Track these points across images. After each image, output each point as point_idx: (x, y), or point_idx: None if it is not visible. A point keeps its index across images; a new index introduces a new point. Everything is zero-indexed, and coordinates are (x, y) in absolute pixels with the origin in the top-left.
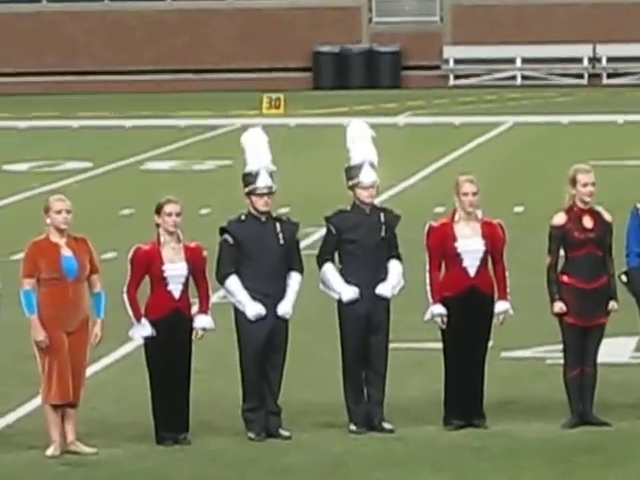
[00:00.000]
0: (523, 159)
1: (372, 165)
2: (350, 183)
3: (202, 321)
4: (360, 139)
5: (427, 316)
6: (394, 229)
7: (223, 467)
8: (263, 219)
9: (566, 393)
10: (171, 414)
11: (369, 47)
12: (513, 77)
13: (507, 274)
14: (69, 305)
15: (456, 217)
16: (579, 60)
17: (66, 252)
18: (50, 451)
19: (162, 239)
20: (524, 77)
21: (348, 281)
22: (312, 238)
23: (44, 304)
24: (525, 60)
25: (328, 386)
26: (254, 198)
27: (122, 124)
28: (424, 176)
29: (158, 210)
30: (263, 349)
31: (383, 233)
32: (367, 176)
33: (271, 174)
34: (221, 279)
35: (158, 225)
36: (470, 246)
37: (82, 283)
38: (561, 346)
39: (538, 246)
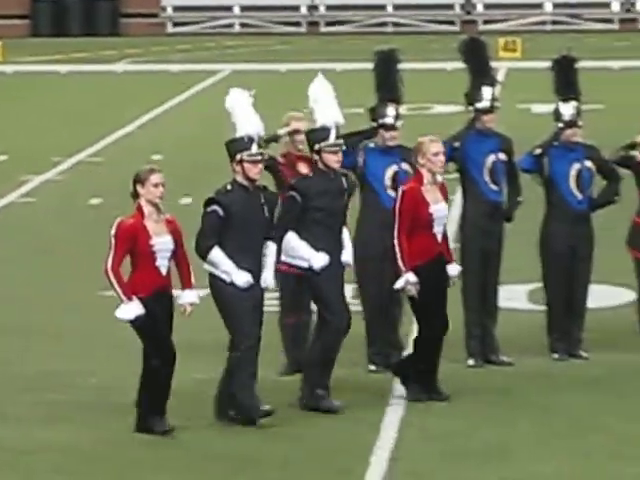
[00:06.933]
0: None
1: (338, 127)
2: (317, 147)
3: (189, 296)
4: (324, 98)
5: (400, 284)
6: (352, 195)
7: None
8: (251, 189)
9: None
10: (161, 398)
11: None
12: (231, 25)
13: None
14: None
15: (425, 181)
16: (296, 8)
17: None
18: None
19: (145, 211)
20: (242, 25)
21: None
22: None
23: None
24: (244, 8)
25: None
26: (247, 165)
27: None
28: (142, 124)
29: (142, 181)
30: (255, 320)
31: (346, 198)
32: (335, 139)
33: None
34: (204, 251)
35: (137, 196)
36: (441, 212)
37: None
38: None
39: None
